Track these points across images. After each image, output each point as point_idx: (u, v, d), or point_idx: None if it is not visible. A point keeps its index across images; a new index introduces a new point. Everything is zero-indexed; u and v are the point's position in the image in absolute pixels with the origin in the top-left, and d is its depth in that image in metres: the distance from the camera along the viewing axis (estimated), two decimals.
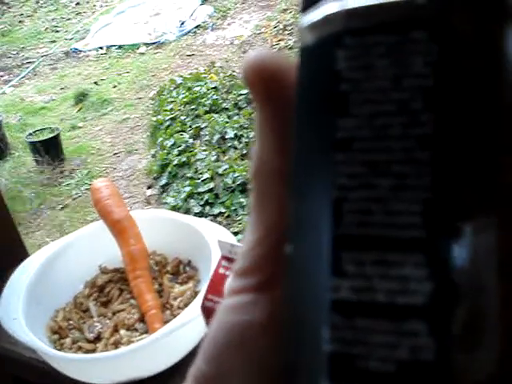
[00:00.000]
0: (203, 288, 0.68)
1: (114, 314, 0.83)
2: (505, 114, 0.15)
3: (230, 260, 0.65)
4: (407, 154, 0.15)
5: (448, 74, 0.15)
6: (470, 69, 0.15)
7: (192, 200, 2.58)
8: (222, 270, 0.65)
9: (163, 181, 2.84)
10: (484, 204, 0.14)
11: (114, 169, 3.19)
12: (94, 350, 0.78)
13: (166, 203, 2.62)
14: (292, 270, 0.17)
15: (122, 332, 0.79)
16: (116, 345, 0.77)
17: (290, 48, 3.85)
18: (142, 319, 0.81)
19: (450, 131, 0.14)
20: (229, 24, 4.71)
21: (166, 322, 0.76)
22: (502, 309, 0.14)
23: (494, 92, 0.15)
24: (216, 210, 2.50)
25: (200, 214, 2.44)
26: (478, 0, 0.15)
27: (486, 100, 0.15)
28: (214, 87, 3.37)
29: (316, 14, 0.17)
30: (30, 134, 3.39)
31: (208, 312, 0.64)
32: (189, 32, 4.69)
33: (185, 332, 0.71)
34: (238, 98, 3.19)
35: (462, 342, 0.14)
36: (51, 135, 3.31)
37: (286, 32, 4.12)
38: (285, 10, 4.55)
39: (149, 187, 2.92)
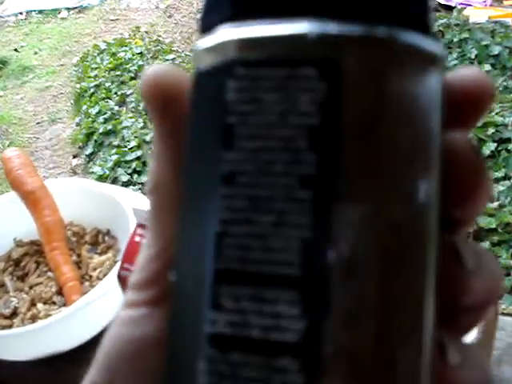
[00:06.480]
0: None
1: (30, 287, 0.80)
2: (383, 157, 0.15)
3: (145, 228, 0.64)
4: (288, 192, 0.15)
5: (333, 115, 0.14)
6: (355, 111, 0.15)
7: (119, 168, 2.53)
8: (137, 238, 0.63)
9: (89, 150, 2.77)
10: (358, 244, 0.15)
11: (38, 138, 3.09)
12: (10, 326, 0.75)
13: (93, 173, 2.56)
14: (174, 299, 0.18)
15: (40, 306, 0.77)
16: (33, 319, 0.75)
17: None
18: (60, 292, 0.79)
19: (331, 172, 0.15)
20: None
21: (86, 293, 0.74)
22: (373, 348, 0.15)
23: (375, 137, 0.15)
24: (144, 178, 2.46)
25: (128, 183, 2.40)
26: (368, 44, 0.15)
27: (346, 145, 0.14)
28: (140, 53, 3.30)
29: (211, 40, 0.16)
30: None
31: (124, 281, 0.63)
32: None
33: (103, 303, 0.70)
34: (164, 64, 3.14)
35: (330, 381, 0.14)
36: None
37: None
38: None
39: (74, 157, 2.84)
